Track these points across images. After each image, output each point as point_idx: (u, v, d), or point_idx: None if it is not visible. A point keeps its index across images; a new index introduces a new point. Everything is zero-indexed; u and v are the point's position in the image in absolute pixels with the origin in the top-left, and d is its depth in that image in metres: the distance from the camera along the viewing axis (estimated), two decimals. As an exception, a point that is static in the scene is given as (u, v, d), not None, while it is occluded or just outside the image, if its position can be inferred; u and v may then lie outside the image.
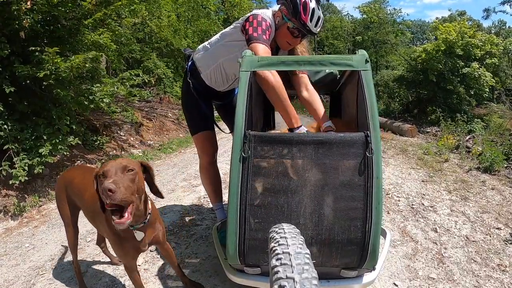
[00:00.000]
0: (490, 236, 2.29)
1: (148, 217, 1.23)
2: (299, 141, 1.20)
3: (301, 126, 1.44)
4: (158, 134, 6.16)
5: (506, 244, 2.18)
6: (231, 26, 1.70)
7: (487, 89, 7.31)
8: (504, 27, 17.36)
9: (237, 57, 1.37)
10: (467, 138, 5.43)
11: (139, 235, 1.23)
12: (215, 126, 1.98)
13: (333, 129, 1.52)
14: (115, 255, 1.96)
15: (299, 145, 1.20)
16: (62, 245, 2.21)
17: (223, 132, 2.01)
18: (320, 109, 1.62)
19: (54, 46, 2.90)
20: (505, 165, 3.90)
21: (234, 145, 1.21)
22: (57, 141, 3.07)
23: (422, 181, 3.51)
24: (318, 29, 1.60)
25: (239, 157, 1.18)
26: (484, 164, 3.87)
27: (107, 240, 1.88)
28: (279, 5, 1.62)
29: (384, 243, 1.56)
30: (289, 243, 0.82)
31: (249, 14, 1.58)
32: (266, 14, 1.59)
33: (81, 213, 1.60)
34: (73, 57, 3.08)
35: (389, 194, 3.08)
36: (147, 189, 1.24)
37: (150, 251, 2.07)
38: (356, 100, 1.50)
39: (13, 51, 2.93)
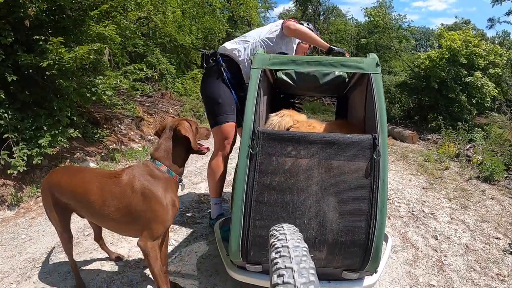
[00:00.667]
0: (490, 246, 2.28)
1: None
2: (307, 140, 1.19)
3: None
4: (158, 129, 6.12)
5: (505, 254, 2.18)
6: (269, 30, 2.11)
7: (489, 99, 7.31)
8: (508, 37, 17.43)
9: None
10: (467, 147, 5.44)
11: (183, 186, 1.47)
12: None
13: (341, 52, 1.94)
14: (113, 251, 1.94)
15: (307, 144, 1.19)
16: (58, 238, 2.18)
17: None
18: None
19: (59, 36, 2.87)
20: (505, 175, 3.91)
21: (242, 141, 1.20)
22: (57, 132, 3.04)
23: (423, 188, 3.51)
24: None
25: (246, 154, 1.17)
26: (484, 174, 3.87)
27: (104, 236, 1.86)
28: None
29: (385, 248, 1.56)
30: (288, 238, 0.83)
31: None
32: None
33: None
34: (77, 48, 3.05)
35: (390, 199, 3.08)
36: None
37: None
38: (364, 103, 1.49)
39: (17, 39, 2.89)
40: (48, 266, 1.85)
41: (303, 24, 2.08)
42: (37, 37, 2.89)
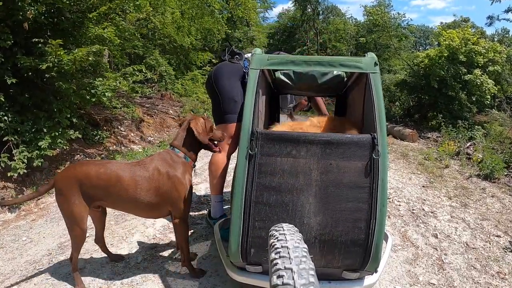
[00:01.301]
0: (490, 244, 2.28)
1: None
2: (306, 140, 1.19)
3: None
4: (158, 130, 6.13)
5: (506, 252, 2.18)
6: None
7: (488, 96, 7.29)
8: (507, 35, 17.40)
9: None
10: (467, 145, 5.43)
11: (195, 171, 1.69)
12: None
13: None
14: (115, 252, 1.94)
15: (306, 144, 1.19)
16: (59, 240, 2.19)
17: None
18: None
19: (58, 38, 2.87)
20: (505, 173, 3.90)
21: (241, 142, 1.20)
22: (57, 134, 3.04)
23: (423, 186, 3.51)
24: None
25: (245, 154, 1.18)
26: (485, 172, 3.87)
27: (105, 238, 1.87)
28: None
29: (385, 247, 1.56)
30: (288, 239, 0.83)
31: None
32: None
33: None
34: (76, 50, 3.06)
35: (389, 198, 3.07)
36: None
37: (150, 248, 2.06)
38: (362, 103, 1.49)
39: (16, 42, 2.90)
40: (48, 268, 1.86)
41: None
42: (36, 39, 2.90)
